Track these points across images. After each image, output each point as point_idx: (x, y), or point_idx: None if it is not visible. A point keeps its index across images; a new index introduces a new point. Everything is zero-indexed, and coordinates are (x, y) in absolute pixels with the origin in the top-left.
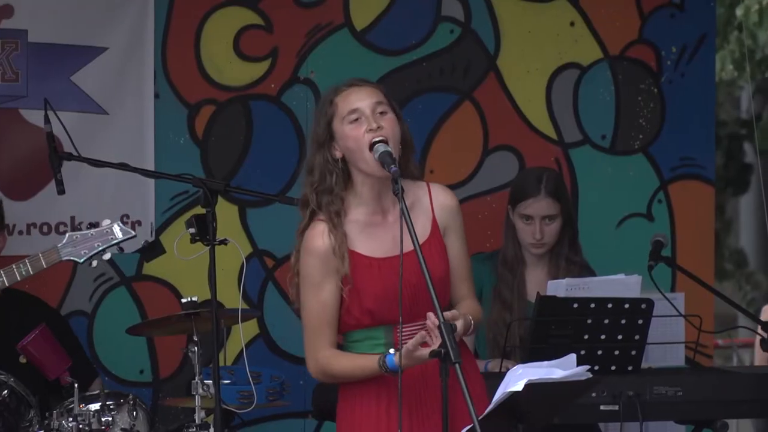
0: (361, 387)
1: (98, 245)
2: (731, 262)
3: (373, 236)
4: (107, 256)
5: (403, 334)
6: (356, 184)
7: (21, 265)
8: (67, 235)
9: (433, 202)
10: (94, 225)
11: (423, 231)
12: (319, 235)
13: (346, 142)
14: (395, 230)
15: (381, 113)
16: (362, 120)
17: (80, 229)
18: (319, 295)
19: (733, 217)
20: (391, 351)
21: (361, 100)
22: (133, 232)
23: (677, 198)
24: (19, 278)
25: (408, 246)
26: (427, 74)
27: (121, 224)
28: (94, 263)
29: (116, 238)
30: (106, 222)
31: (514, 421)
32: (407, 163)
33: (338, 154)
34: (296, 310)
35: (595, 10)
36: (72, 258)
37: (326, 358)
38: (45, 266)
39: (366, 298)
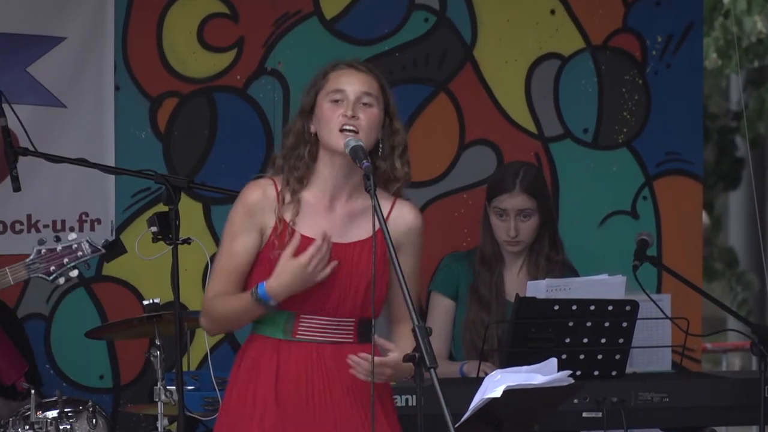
0: (262, 359)
1: (67, 261)
2: (721, 261)
3: (315, 219)
4: (75, 272)
5: (308, 325)
6: (320, 162)
7: None
8: (34, 249)
9: (393, 208)
10: (58, 238)
11: (365, 233)
12: (257, 188)
13: (319, 117)
14: (339, 222)
15: (365, 104)
16: (342, 103)
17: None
18: (233, 244)
19: (723, 214)
20: (265, 282)
21: (350, 84)
22: (102, 249)
23: (663, 195)
24: None
25: (349, 237)
26: (400, 65)
27: (90, 240)
28: (62, 281)
29: (85, 255)
30: (72, 236)
31: (492, 429)
32: (389, 167)
33: (313, 128)
34: None
35: None
36: (41, 275)
37: (213, 299)
38: (12, 283)
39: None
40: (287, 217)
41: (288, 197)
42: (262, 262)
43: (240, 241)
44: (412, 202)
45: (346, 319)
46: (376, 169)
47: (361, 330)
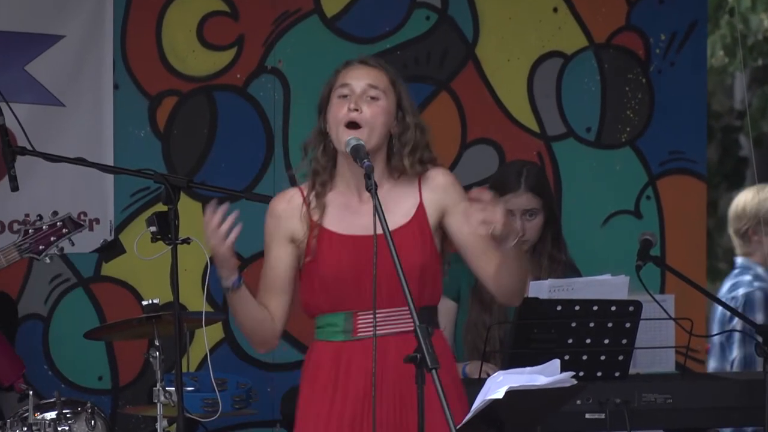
0: (321, 365)
1: (54, 239)
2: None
3: (344, 216)
4: (58, 250)
5: (366, 320)
6: (339, 161)
7: None
8: (22, 230)
9: (422, 185)
10: (41, 217)
11: (403, 217)
12: (282, 198)
13: (329, 115)
14: (368, 216)
15: (371, 98)
16: (349, 98)
17: (26, 231)
18: (268, 257)
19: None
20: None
21: (357, 78)
22: (84, 224)
23: (667, 194)
24: None
25: (379, 229)
26: (401, 63)
27: (72, 215)
28: (48, 259)
29: (70, 231)
30: (54, 213)
31: (494, 431)
32: (401, 158)
33: (327, 128)
34: None
35: None
36: (32, 255)
37: None
38: (5, 264)
39: (324, 273)
40: (315, 217)
41: (314, 201)
42: (304, 270)
43: (273, 252)
44: (438, 165)
45: (401, 308)
46: (389, 161)
47: (422, 316)
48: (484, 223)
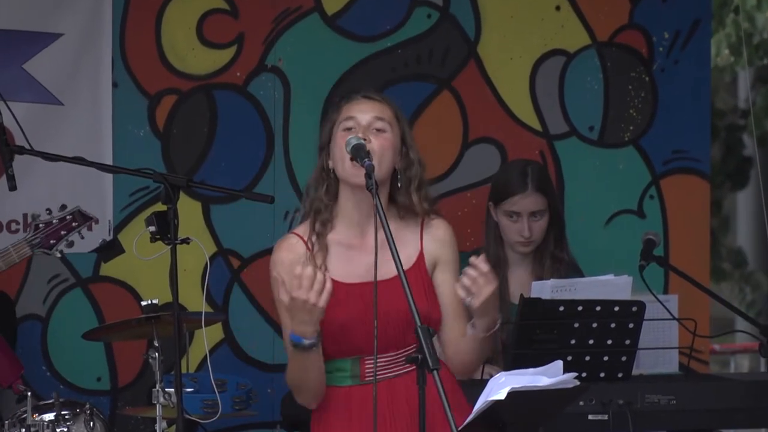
0: (330, 409)
1: (64, 233)
2: (729, 261)
3: (348, 260)
4: (68, 245)
5: (369, 366)
6: (341, 199)
7: None
8: (32, 225)
9: (423, 233)
10: (50, 211)
11: (406, 262)
12: (284, 249)
13: (333, 147)
14: (372, 257)
15: (377, 130)
16: (354, 130)
17: (36, 225)
18: (287, 315)
19: (731, 213)
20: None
21: (362, 112)
22: (95, 217)
23: (670, 193)
24: None
25: (383, 275)
26: (402, 62)
27: (81, 209)
28: (58, 254)
29: (80, 225)
30: (63, 206)
31: None
32: (407, 200)
33: (331, 164)
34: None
35: None
36: (43, 250)
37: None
38: (17, 260)
39: (330, 321)
40: (318, 262)
41: (316, 244)
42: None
43: None
44: (441, 217)
45: (407, 349)
46: (395, 201)
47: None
48: (467, 292)
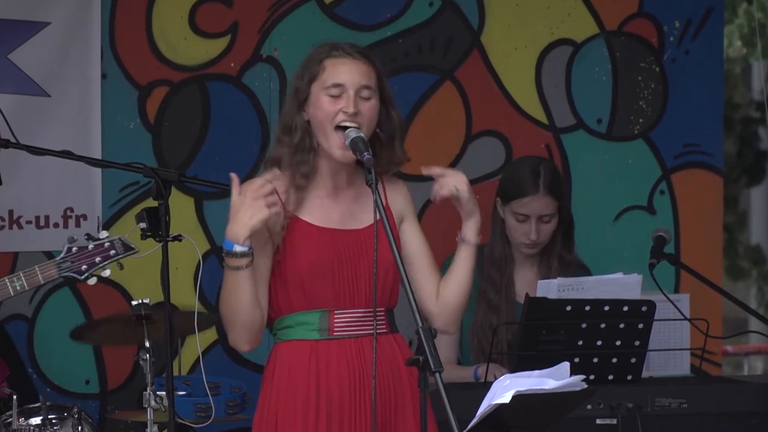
0: (294, 364)
1: (99, 260)
2: (747, 259)
3: (321, 205)
4: (107, 272)
5: (343, 320)
6: (316, 159)
7: (15, 279)
8: (65, 247)
9: (387, 190)
10: (92, 237)
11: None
12: (260, 178)
13: (316, 111)
14: (347, 206)
15: (364, 97)
16: (342, 98)
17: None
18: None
19: (748, 210)
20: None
21: (349, 76)
22: (136, 248)
23: (681, 189)
24: (12, 293)
25: (355, 224)
26: (403, 52)
27: (123, 238)
28: (93, 281)
29: (118, 253)
30: (104, 234)
31: None
32: (385, 155)
33: (306, 117)
34: None
35: None
36: (72, 274)
37: None
38: (42, 282)
39: (299, 266)
40: (290, 208)
41: (293, 196)
42: (275, 266)
43: (259, 268)
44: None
45: (380, 309)
46: (375, 157)
47: (390, 319)
48: (454, 188)
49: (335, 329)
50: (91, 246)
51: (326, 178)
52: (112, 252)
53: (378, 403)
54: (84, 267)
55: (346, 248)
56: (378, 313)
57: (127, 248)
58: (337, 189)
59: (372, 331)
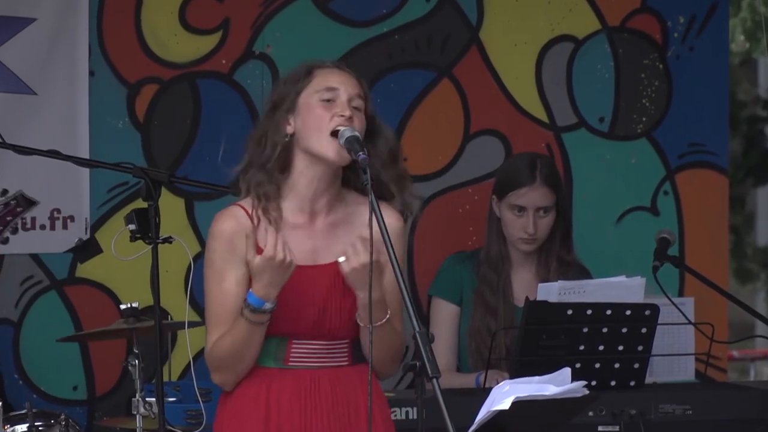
0: (244, 406)
1: (10, 219)
2: (755, 261)
3: (292, 239)
4: (14, 233)
5: (300, 351)
6: (294, 172)
7: None
8: None
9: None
10: None
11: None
12: (228, 218)
13: (307, 117)
14: (318, 240)
15: (355, 108)
16: (335, 104)
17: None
18: (222, 285)
19: (755, 210)
20: (250, 290)
21: (343, 84)
22: (38, 200)
23: (686, 189)
24: None
25: (328, 258)
26: (399, 48)
27: (24, 192)
28: (7, 237)
29: (25, 210)
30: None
31: None
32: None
33: (290, 129)
34: None
35: None
36: None
37: (213, 347)
38: None
39: None
40: (261, 242)
41: (262, 219)
42: None
43: (231, 278)
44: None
45: (340, 342)
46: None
47: (355, 351)
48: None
49: (290, 359)
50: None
51: (303, 202)
52: (19, 209)
53: None
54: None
55: (310, 284)
56: (340, 345)
57: (30, 202)
58: (314, 215)
59: (329, 365)
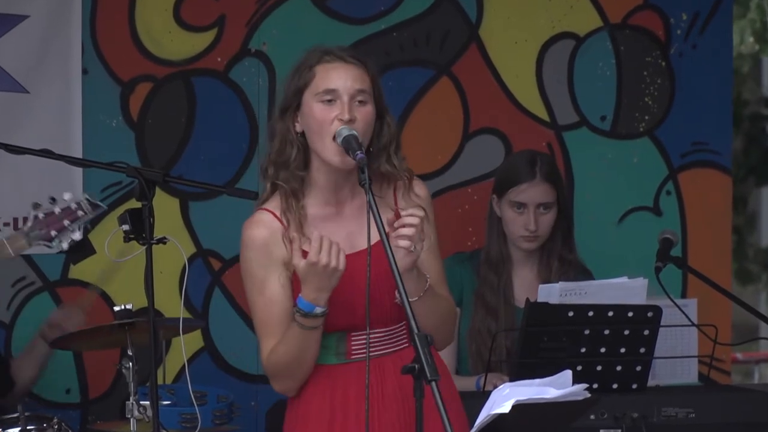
0: (310, 389)
1: (68, 224)
2: (756, 263)
3: (324, 231)
4: (77, 235)
5: (360, 342)
6: (312, 168)
7: None
8: (31, 215)
9: (397, 193)
10: (54, 199)
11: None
12: (258, 225)
13: (309, 120)
14: (350, 226)
15: (360, 102)
16: (336, 104)
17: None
18: (264, 292)
19: (757, 211)
20: (299, 296)
21: (343, 81)
22: (104, 206)
23: (689, 189)
24: None
25: (362, 244)
26: (398, 46)
27: (89, 197)
28: (65, 245)
29: (87, 214)
30: (68, 195)
31: None
32: (382, 162)
33: (299, 128)
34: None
35: None
36: (42, 243)
37: (270, 354)
38: (12, 255)
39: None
40: (295, 241)
41: (291, 217)
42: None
43: (270, 286)
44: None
45: (396, 325)
46: (370, 168)
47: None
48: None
49: (353, 352)
50: (57, 210)
51: (328, 193)
52: (80, 213)
53: (396, 421)
54: (53, 233)
55: (355, 272)
56: (398, 329)
57: (95, 206)
58: (340, 204)
59: (392, 350)
